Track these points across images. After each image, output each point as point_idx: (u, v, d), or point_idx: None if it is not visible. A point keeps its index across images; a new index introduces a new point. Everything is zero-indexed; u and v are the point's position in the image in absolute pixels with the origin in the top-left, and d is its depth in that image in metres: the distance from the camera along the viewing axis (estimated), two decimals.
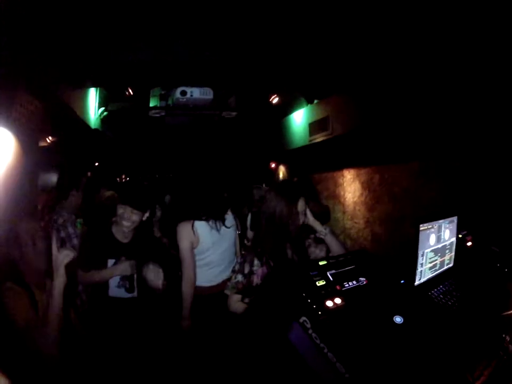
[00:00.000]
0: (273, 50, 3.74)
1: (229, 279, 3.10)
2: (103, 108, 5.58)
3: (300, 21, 3.08)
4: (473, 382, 1.32)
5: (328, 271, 1.63)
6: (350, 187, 5.78)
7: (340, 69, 4.16)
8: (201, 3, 2.87)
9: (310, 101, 5.79)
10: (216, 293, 3.01)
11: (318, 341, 1.30)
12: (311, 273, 1.57)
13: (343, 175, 5.99)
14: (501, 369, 1.44)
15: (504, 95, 2.76)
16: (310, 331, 1.33)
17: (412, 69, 3.53)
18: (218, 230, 3.06)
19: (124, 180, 8.39)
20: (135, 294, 2.84)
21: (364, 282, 1.69)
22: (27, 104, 3.24)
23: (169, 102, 4.60)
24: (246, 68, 4.29)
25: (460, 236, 2.41)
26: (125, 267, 2.76)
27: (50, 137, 4.70)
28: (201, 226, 3.02)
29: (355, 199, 5.63)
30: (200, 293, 3.04)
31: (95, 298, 2.95)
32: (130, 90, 4.87)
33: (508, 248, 2.31)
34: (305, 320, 1.35)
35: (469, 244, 2.46)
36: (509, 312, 1.80)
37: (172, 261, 3.25)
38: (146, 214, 2.89)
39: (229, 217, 3.22)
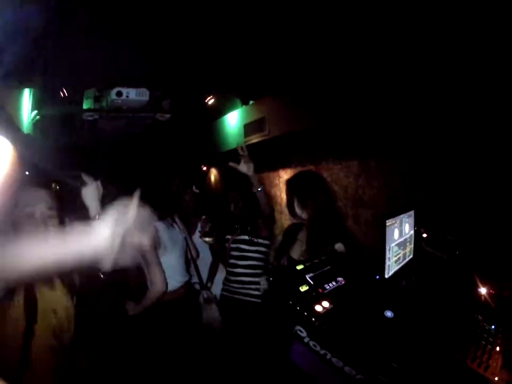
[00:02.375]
0: (207, 51, 3.64)
1: (184, 286, 3.01)
2: (35, 112, 5.15)
3: (234, 22, 3.02)
4: (469, 364, 1.33)
5: (307, 274, 1.57)
6: None
7: (277, 69, 4.14)
8: (138, 5, 2.73)
9: (245, 102, 5.74)
10: (175, 300, 2.91)
11: (318, 348, 1.22)
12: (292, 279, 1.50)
13: (279, 175, 5.99)
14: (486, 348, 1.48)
15: (441, 92, 2.88)
16: (307, 339, 1.25)
17: (349, 70, 3.59)
18: (174, 231, 2.99)
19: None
20: None
21: (342, 282, 1.65)
22: None
23: (104, 104, 4.35)
24: (180, 68, 4.15)
25: (415, 228, 2.47)
26: None
27: None
28: (161, 228, 2.97)
29: None
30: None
31: None
32: (63, 92, 4.52)
33: (462, 237, 2.41)
34: (299, 329, 1.27)
35: (424, 235, 2.53)
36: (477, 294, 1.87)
37: None
38: None
39: (178, 223, 3.16)
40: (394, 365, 1.19)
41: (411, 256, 2.34)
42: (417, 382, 1.19)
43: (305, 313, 1.31)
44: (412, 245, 2.37)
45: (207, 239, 3.87)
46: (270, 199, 5.48)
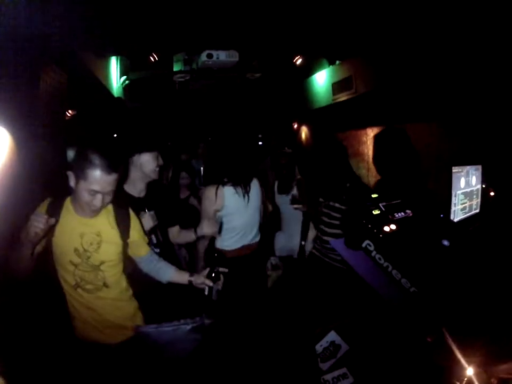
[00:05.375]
0: (297, 13, 3.79)
1: (251, 245, 3.27)
2: (125, 77, 5.79)
3: None
4: None
5: (380, 202, 1.84)
6: None
7: (364, 30, 4.24)
8: None
9: (332, 62, 5.96)
10: (240, 256, 3.07)
11: (382, 261, 1.58)
12: (367, 203, 1.81)
13: (366, 133, 6.20)
14: None
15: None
16: (374, 253, 1.60)
17: (433, 32, 3.70)
18: (243, 197, 3.07)
19: None
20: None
21: (410, 214, 1.89)
22: (53, 77, 3.31)
23: (194, 66, 4.64)
24: (270, 30, 4.30)
25: (484, 186, 2.64)
26: (147, 219, 2.65)
27: (73, 110, 4.97)
28: (226, 191, 3.05)
29: None
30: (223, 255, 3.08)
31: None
32: (154, 57, 4.97)
33: None
34: (368, 244, 1.63)
35: (492, 193, 2.69)
36: None
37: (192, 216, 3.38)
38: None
39: (254, 185, 3.21)
40: (447, 286, 1.50)
41: (477, 210, 2.56)
42: (467, 307, 1.48)
43: (375, 231, 1.66)
44: (479, 199, 2.58)
45: (296, 206, 4.05)
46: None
